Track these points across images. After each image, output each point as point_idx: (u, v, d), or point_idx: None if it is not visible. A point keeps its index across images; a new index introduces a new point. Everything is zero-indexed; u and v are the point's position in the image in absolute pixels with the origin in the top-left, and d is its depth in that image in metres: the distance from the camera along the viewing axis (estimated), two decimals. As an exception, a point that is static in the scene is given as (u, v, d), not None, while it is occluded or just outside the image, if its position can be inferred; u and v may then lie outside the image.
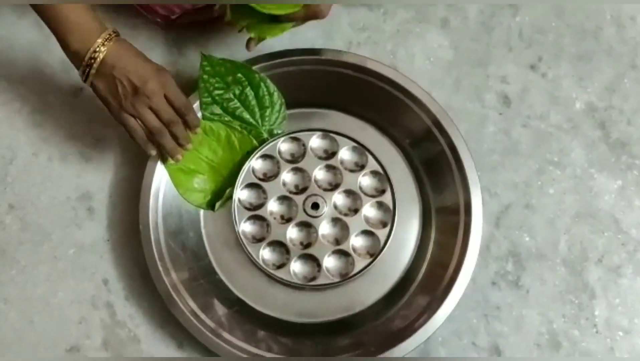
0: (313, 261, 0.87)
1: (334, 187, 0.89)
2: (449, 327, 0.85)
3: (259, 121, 0.89)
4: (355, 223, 0.87)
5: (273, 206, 0.89)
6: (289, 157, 0.90)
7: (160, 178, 0.86)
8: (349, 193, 0.89)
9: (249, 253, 0.87)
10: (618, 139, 0.93)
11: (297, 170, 0.90)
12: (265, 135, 0.90)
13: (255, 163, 0.90)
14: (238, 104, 0.89)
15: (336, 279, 0.86)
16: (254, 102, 0.89)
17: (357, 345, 0.84)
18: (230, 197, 0.88)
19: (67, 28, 0.76)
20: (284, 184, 0.89)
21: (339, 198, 0.89)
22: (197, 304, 0.83)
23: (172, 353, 0.86)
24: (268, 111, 0.89)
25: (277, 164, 0.90)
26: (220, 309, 0.85)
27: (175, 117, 0.81)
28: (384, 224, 0.87)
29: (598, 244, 0.89)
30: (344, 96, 0.91)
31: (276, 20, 0.80)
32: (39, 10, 0.77)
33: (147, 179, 0.85)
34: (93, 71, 0.77)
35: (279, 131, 0.90)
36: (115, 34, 0.78)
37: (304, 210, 0.88)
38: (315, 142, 0.91)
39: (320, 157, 0.90)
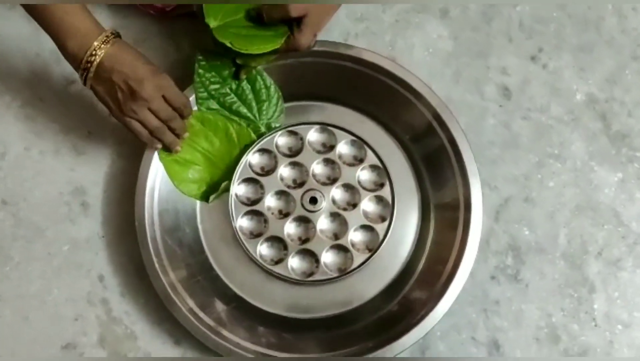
0: (311, 256, 0.86)
1: (332, 181, 0.88)
2: (448, 322, 0.85)
3: (257, 115, 0.88)
4: (353, 218, 0.86)
5: (270, 201, 0.87)
6: (286, 151, 0.89)
7: (155, 173, 0.85)
8: (347, 187, 0.88)
9: (247, 248, 0.86)
10: (619, 132, 0.92)
11: (294, 164, 0.88)
12: (263, 129, 0.88)
13: (252, 157, 0.88)
14: (235, 99, 0.87)
15: (334, 275, 0.85)
16: (250, 96, 0.87)
17: (355, 339, 0.83)
18: (226, 190, 0.87)
19: (62, 30, 0.75)
20: (282, 178, 0.88)
21: (337, 193, 0.88)
22: (195, 302, 0.82)
23: (169, 349, 0.86)
24: (265, 105, 0.88)
25: (275, 158, 0.88)
26: (218, 306, 0.85)
27: (173, 114, 0.81)
28: (383, 219, 0.86)
29: (598, 238, 0.89)
30: (342, 89, 0.89)
31: (258, 56, 0.80)
32: (33, 13, 0.75)
33: (142, 175, 0.84)
34: (91, 74, 0.76)
35: (277, 125, 0.89)
36: (113, 35, 0.77)
37: (302, 205, 0.86)
38: (313, 135, 0.89)
39: (318, 151, 0.89)
